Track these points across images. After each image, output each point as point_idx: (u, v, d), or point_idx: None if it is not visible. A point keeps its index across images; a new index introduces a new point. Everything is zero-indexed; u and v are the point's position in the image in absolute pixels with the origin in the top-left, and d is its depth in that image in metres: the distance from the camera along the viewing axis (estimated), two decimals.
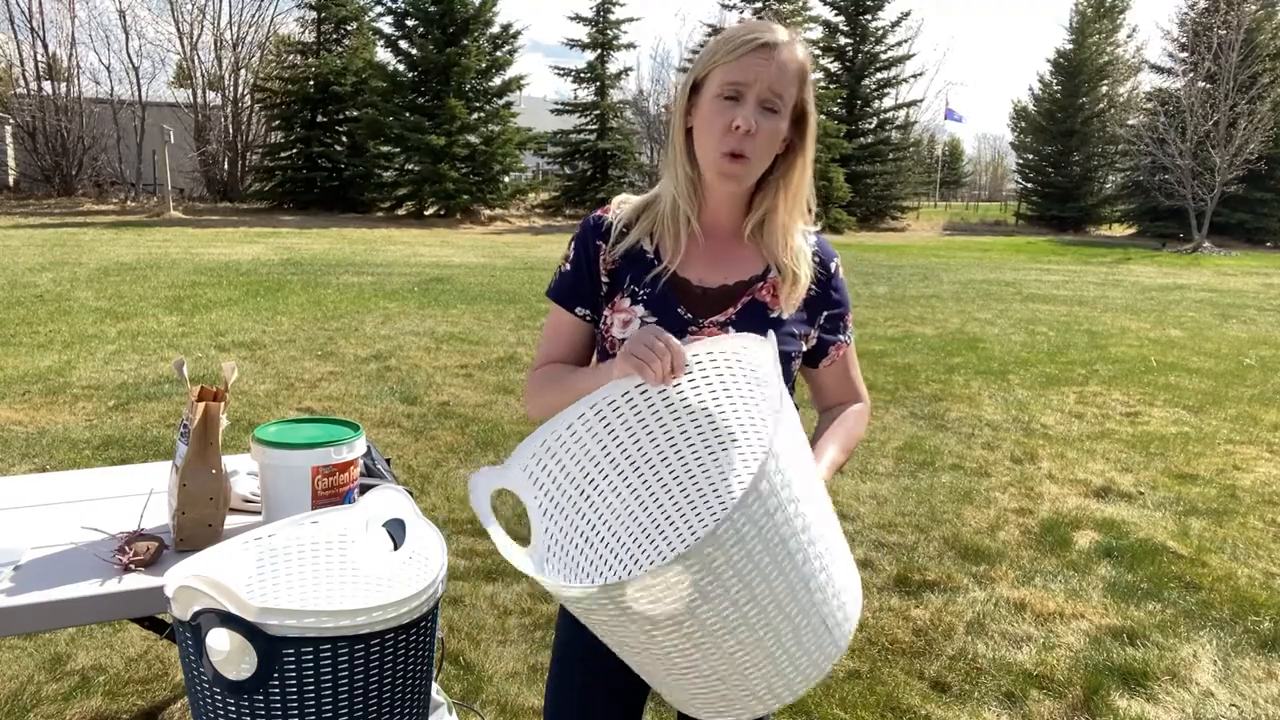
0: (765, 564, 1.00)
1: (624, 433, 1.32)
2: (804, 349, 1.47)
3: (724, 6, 27.24)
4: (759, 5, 25.40)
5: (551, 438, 1.28)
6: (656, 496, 1.36)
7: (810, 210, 1.45)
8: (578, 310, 1.46)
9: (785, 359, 1.43)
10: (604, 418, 1.31)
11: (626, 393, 1.30)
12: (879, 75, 30.14)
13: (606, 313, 1.43)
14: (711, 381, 1.32)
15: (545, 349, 1.50)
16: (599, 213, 1.48)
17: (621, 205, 1.48)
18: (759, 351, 1.24)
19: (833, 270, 1.49)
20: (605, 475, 1.32)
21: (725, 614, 1.01)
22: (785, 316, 1.43)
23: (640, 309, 1.40)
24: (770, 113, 1.33)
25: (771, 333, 1.22)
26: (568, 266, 1.47)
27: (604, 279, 1.44)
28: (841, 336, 1.52)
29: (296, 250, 14.99)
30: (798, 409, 1.55)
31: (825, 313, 1.48)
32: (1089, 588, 3.46)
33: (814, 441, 1.47)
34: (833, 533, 1.13)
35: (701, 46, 1.44)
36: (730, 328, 1.39)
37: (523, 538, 1.23)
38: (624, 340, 1.39)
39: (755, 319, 1.41)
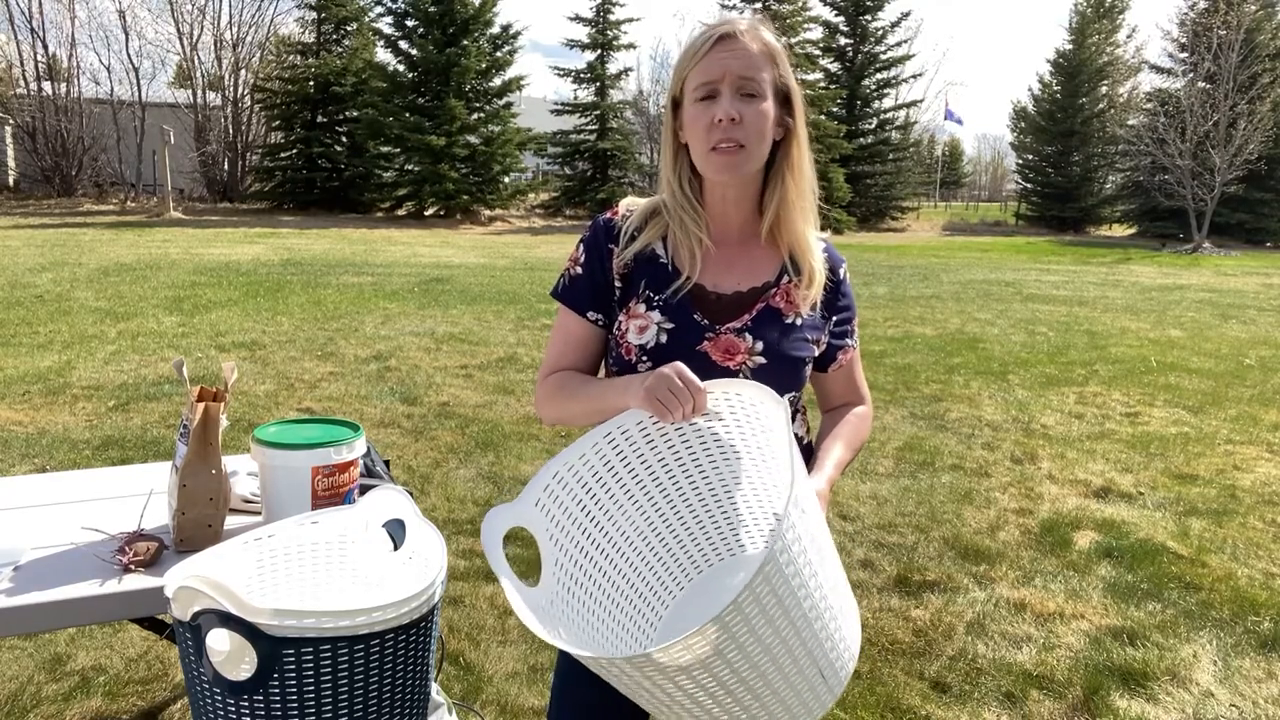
0: (781, 624, 1.02)
1: (636, 460, 1.32)
2: (816, 354, 1.47)
3: (724, 6, 27.25)
4: (758, 5, 25.40)
5: (564, 468, 1.28)
6: (669, 520, 1.36)
7: (815, 192, 1.44)
8: (589, 315, 1.44)
9: (798, 364, 1.43)
10: (616, 445, 1.30)
11: (640, 421, 1.30)
12: (879, 75, 30.14)
13: (621, 318, 1.41)
14: (725, 418, 1.32)
15: (555, 354, 1.47)
16: (608, 215, 1.46)
17: (630, 209, 1.46)
18: (773, 410, 1.24)
19: (841, 276, 1.49)
20: (617, 501, 1.32)
21: (739, 669, 1.02)
22: (799, 322, 1.43)
23: (657, 315, 1.39)
24: (750, 97, 1.32)
25: (786, 399, 1.21)
26: (578, 269, 1.45)
27: (617, 283, 1.43)
28: (849, 341, 1.52)
29: (296, 251, 14.99)
30: (805, 410, 1.56)
31: (834, 317, 1.49)
32: (1089, 588, 3.46)
33: (820, 441, 1.47)
34: (841, 589, 1.15)
35: (674, 66, 1.43)
36: (747, 334, 1.38)
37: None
38: (640, 346, 1.38)
39: (770, 325, 1.40)
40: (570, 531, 1.29)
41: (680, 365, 1.25)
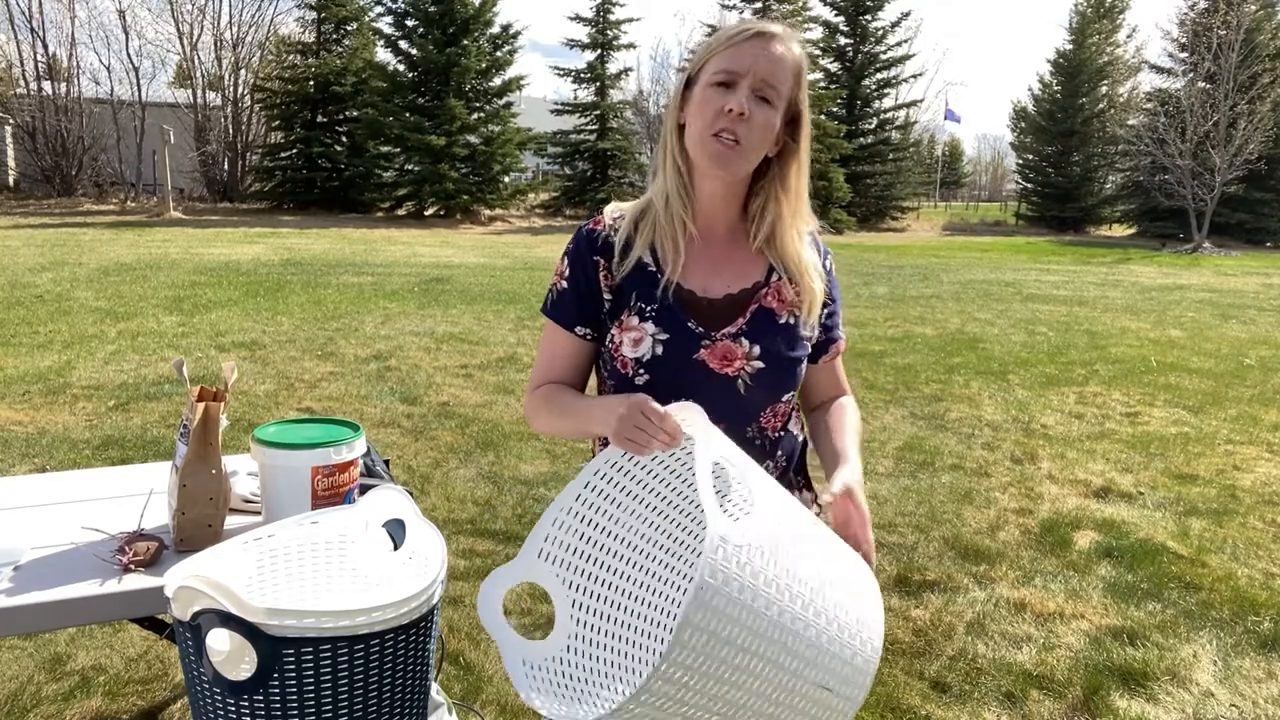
0: (752, 659, 1.01)
1: (632, 483, 1.31)
2: (809, 351, 1.46)
3: (724, 6, 27.26)
4: (759, 5, 25.40)
5: (562, 513, 1.28)
6: (668, 547, 1.37)
7: (809, 212, 1.44)
8: (577, 330, 1.42)
9: (796, 364, 1.42)
10: (609, 478, 1.30)
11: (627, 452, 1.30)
12: (879, 75, 30.13)
13: (614, 331, 1.39)
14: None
15: (543, 368, 1.46)
16: (591, 225, 1.43)
17: (616, 217, 1.44)
18: (702, 441, 1.16)
19: (827, 268, 1.49)
20: (620, 523, 1.32)
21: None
22: (793, 321, 1.42)
23: (650, 326, 1.36)
24: (763, 101, 1.31)
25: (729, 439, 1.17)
26: (564, 284, 1.42)
27: (606, 295, 1.40)
28: (838, 331, 1.53)
29: (296, 250, 14.99)
30: (798, 408, 1.55)
31: (825, 309, 1.48)
32: (1089, 588, 3.45)
33: (831, 437, 1.46)
34: (846, 579, 1.13)
35: (699, 47, 1.43)
36: (743, 339, 1.37)
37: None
38: (636, 360, 1.36)
39: (766, 327, 1.39)
40: (580, 566, 1.29)
41: (641, 397, 1.21)
